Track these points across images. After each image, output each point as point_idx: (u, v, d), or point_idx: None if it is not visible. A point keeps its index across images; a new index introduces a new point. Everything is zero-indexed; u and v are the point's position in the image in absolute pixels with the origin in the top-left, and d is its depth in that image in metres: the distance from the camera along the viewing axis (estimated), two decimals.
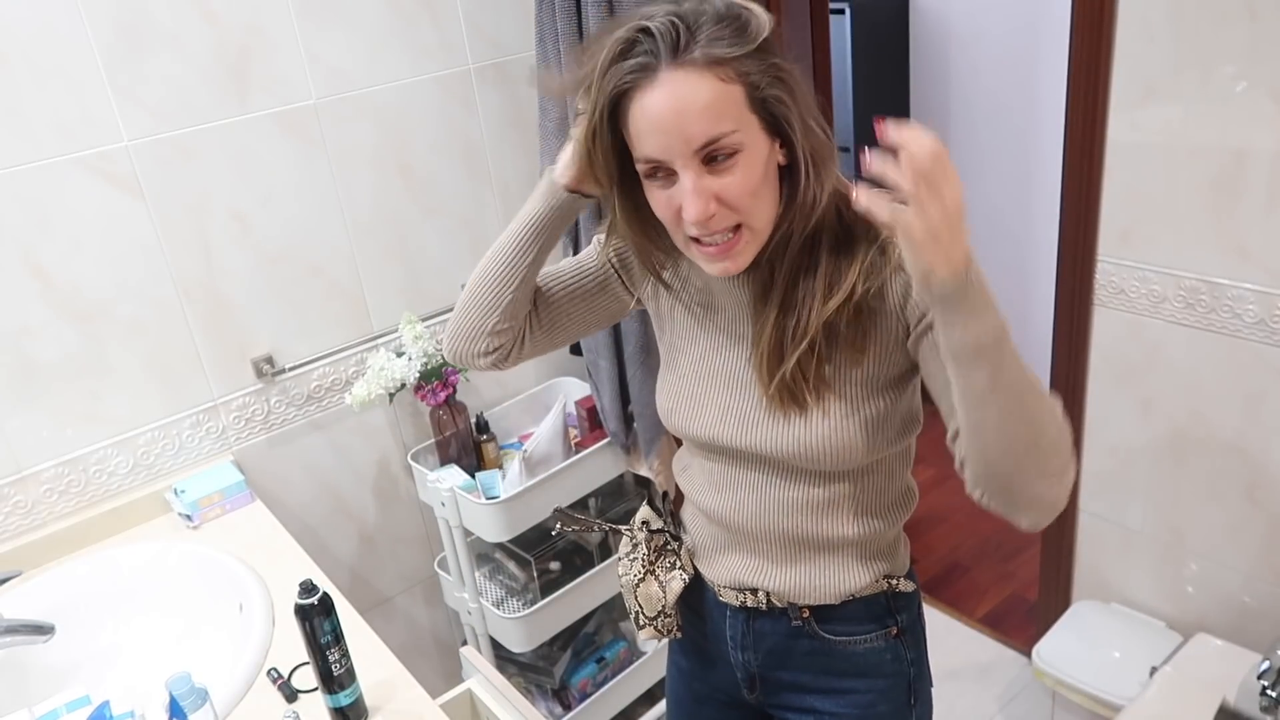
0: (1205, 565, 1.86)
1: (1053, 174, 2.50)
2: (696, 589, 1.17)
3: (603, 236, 1.11)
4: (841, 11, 3.00)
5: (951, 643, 2.43)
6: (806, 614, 1.09)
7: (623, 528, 1.23)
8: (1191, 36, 1.54)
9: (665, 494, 1.21)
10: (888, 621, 1.10)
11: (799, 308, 0.94)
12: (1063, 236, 1.85)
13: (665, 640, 1.22)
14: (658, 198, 0.91)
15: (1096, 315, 1.85)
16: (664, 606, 1.16)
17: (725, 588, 1.13)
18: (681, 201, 0.88)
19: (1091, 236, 1.79)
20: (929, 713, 1.18)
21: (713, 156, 0.86)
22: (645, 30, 0.85)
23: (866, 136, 3.20)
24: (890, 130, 0.72)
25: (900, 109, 3.28)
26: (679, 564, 1.16)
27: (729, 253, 0.91)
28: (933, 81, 3.22)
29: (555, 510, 1.27)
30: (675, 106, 0.84)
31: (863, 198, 0.75)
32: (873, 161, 0.73)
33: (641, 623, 1.18)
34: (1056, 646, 1.96)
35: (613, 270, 1.13)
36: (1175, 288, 1.71)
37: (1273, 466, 1.69)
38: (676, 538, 1.18)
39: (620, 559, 1.22)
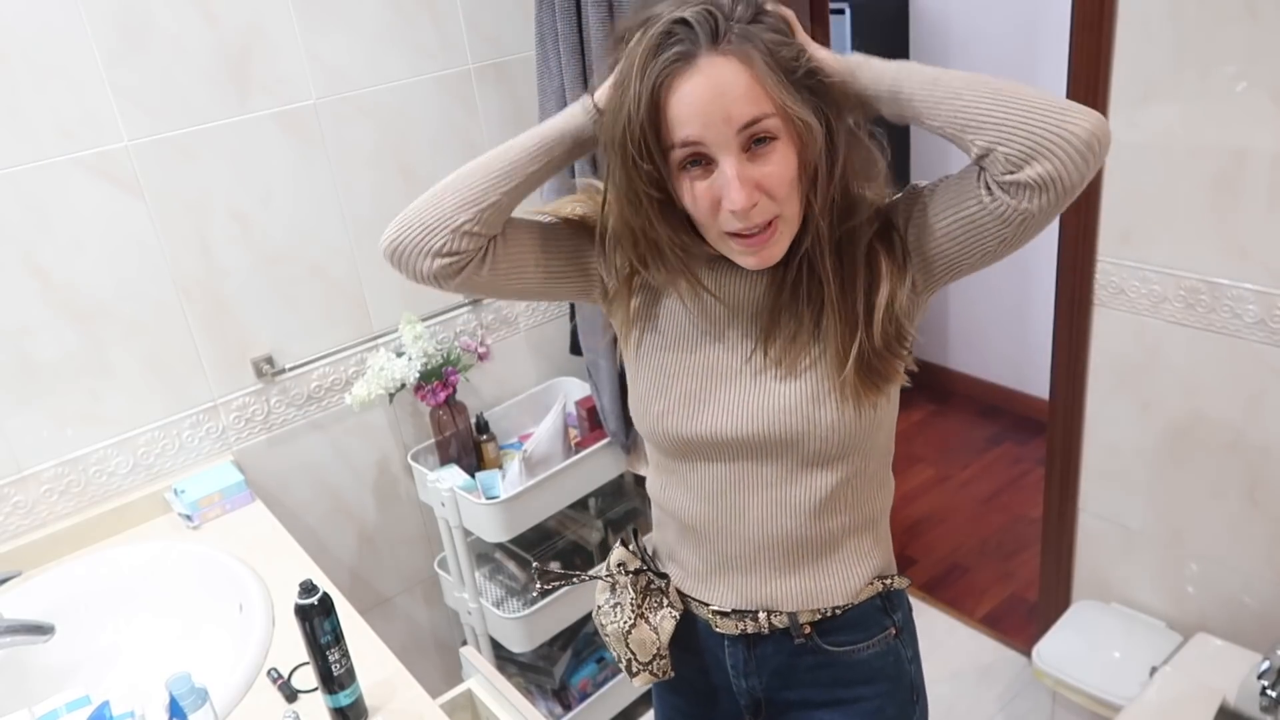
0: (1205, 565, 1.86)
1: None
2: (686, 624, 1.14)
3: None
4: (841, 11, 3.00)
5: (951, 643, 2.43)
6: (808, 630, 1.08)
7: (601, 575, 1.18)
8: (1191, 36, 1.54)
9: (635, 531, 1.18)
10: (886, 623, 1.10)
11: (860, 317, 0.95)
12: (1063, 236, 1.85)
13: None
14: (695, 190, 0.89)
15: (1096, 315, 1.85)
16: (659, 649, 1.12)
17: (722, 616, 1.10)
18: (722, 191, 0.87)
19: (1091, 236, 1.79)
20: (927, 708, 1.19)
21: (754, 140, 0.86)
22: (681, 21, 0.85)
23: None
24: None
25: None
26: (667, 602, 1.13)
27: (766, 243, 0.91)
28: None
29: (534, 566, 1.24)
30: (717, 88, 0.84)
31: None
32: None
33: (635, 669, 1.13)
34: (1056, 646, 1.96)
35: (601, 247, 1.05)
36: (1175, 288, 1.71)
37: (1273, 466, 1.69)
38: (661, 575, 1.15)
39: (599, 608, 1.17)
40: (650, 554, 1.18)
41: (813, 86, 0.87)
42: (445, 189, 0.96)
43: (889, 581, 1.10)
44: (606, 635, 1.16)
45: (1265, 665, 1.55)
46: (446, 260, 0.95)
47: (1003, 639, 2.42)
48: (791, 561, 1.05)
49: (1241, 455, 1.73)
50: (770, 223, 0.89)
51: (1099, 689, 1.84)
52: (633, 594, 1.13)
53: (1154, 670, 1.77)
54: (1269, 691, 1.53)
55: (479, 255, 0.97)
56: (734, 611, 1.09)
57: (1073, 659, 1.92)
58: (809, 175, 0.90)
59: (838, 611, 1.07)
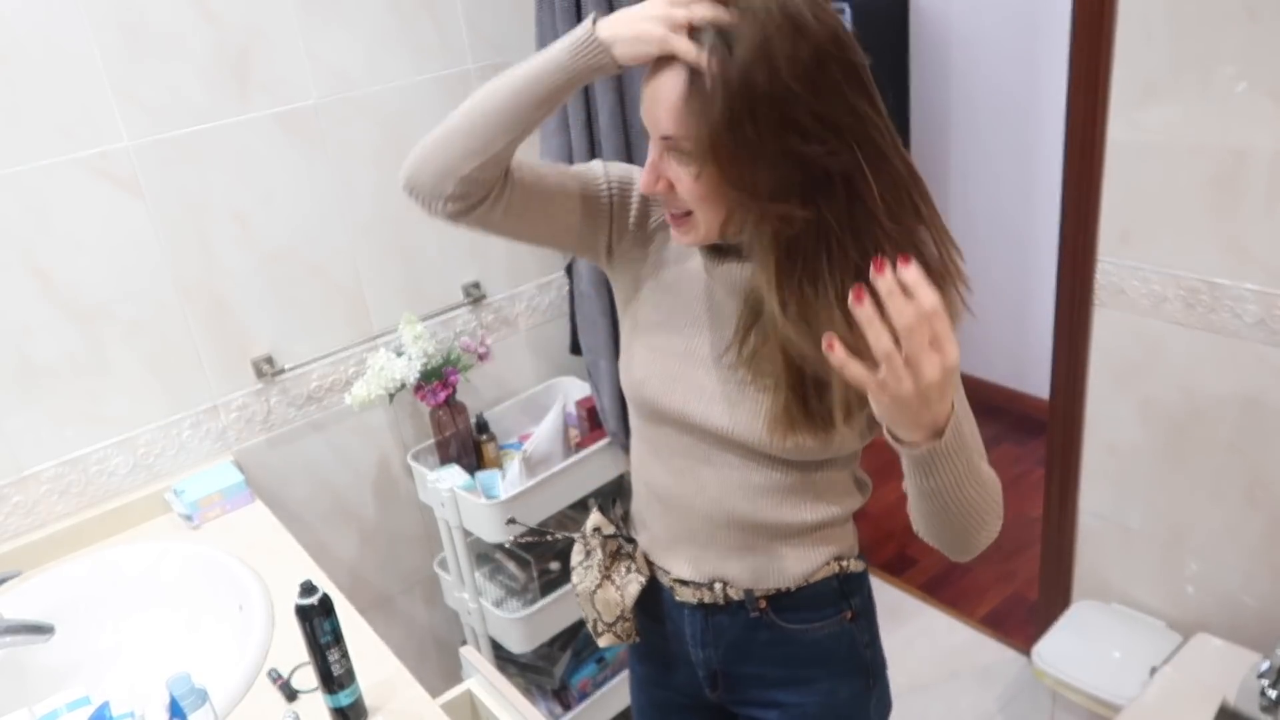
0: (1205, 565, 1.86)
1: (1053, 174, 2.50)
2: (652, 592, 1.17)
3: (607, 164, 1.08)
4: (841, 11, 3.00)
5: (951, 643, 2.43)
6: (764, 605, 1.10)
7: (575, 535, 1.24)
8: (1191, 36, 1.54)
9: (615, 500, 1.22)
10: (842, 606, 1.12)
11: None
12: (1063, 236, 1.85)
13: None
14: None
15: (1096, 315, 1.85)
16: (623, 611, 1.16)
17: (681, 585, 1.13)
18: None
19: (1091, 236, 1.79)
20: (887, 695, 1.20)
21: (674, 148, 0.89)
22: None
23: None
24: (886, 275, 0.69)
25: (900, 109, 3.28)
26: (635, 567, 1.17)
27: (682, 229, 0.96)
28: (933, 81, 3.22)
29: (509, 522, 1.27)
30: (658, 89, 0.87)
31: (837, 354, 0.73)
32: (860, 308, 0.70)
33: (600, 629, 1.19)
34: (1056, 646, 1.96)
35: (607, 200, 1.07)
36: (1175, 288, 1.71)
37: (1273, 466, 1.69)
38: (631, 540, 1.19)
39: (574, 568, 1.22)
40: (624, 520, 1.22)
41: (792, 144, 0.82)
42: (451, 135, 0.96)
43: (845, 564, 1.11)
44: (577, 594, 1.21)
45: (1265, 665, 1.55)
46: (457, 205, 0.98)
47: (1003, 639, 2.42)
48: (747, 542, 1.08)
49: (1241, 455, 1.73)
50: (686, 215, 0.94)
51: (1099, 689, 1.84)
52: (601, 556, 1.18)
53: (1154, 670, 1.77)
54: (1269, 691, 1.53)
55: (490, 199, 0.99)
56: (692, 581, 1.12)
57: (1073, 659, 1.92)
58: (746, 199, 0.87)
59: (792, 589, 1.10)
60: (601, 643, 1.19)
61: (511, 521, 1.26)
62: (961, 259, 0.90)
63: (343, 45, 1.74)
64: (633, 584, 1.16)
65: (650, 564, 1.17)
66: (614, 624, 1.17)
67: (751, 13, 0.81)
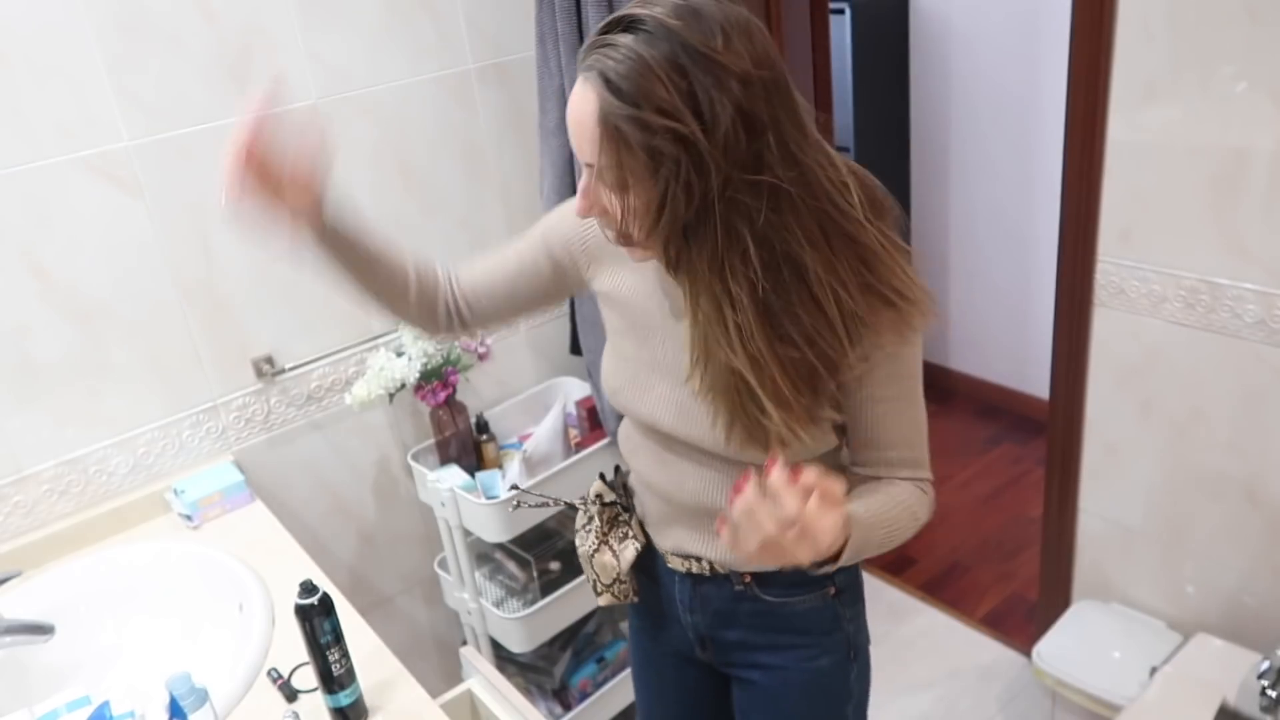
0: (1205, 565, 1.86)
1: (1053, 173, 2.50)
2: (650, 555, 1.23)
3: (546, 221, 1.14)
4: (841, 11, 3.00)
5: (951, 643, 2.43)
6: (748, 579, 1.14)
7: (577, 501, 1.29)
8: (1191, 36, 1.54)
9: (617, 468, 1.27)
10: (825, 583, 1.15)
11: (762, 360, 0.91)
12: (1063, 236, 1.85)
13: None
14: None
15: (1096, 315, 1.85)
16: (618, 574, 1.22)
17: (672, 555, 1.18)
18: None
19: (1091, 236, 1.79)
20: (868, 669, 1.23)
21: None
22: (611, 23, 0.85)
23: (868, 137, 3.20)
24: (748, 487, 0.80)
25: (900, 109, 3.29)
26: (631, 533, 1.22)
27: (623, 246, 0.96)
28: (933, 81, 3.22)
29: (513, 488, 1.31)
30: (573, 115, 0.87)
31: (725, 537, 0.83)
32: (735, 504, 0.81)
33: (599, 590, 1.25)
34: (1056, 646, 1.96)
35: (563, 252, 1.12)
36: (1175, 288, 1.71)
37: (1273, 466, 1.69)
38: (629, 509, 1.24)
39: (577, 531, 1.28)
40: (624, 489, 1.27)
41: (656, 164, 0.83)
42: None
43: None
44: (579, 556, 1.27)
45: (1265, 665, 1.55)
46: (436, 332, 1.19)
47: (1003, 639, 2.42)
48: None
49: (1241, 455, 1.73)
50: (624, 235, 0.93)
51: (1099, 689, 1.84)
52: (599, 523, 1.23)
53: (1154, 670, 1.77)
54: (1269, 691, 1.53)
55: (456, 325, 1.17)
56: (679, 553, 1.17)
57: (1073, 659, 1.92)
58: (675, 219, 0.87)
59: (775, 569, 1.11)
60: (600, 602, 1.25)
61: (514, 488, 1.30)
62: (919, 283, 0.98)
63: (342, 45, 1.74)
64: (629, 549, 1.21)
65: (645, 530, 1.23)
66: (610, 585, 1.23)
67: (653, 34, 0.81)
